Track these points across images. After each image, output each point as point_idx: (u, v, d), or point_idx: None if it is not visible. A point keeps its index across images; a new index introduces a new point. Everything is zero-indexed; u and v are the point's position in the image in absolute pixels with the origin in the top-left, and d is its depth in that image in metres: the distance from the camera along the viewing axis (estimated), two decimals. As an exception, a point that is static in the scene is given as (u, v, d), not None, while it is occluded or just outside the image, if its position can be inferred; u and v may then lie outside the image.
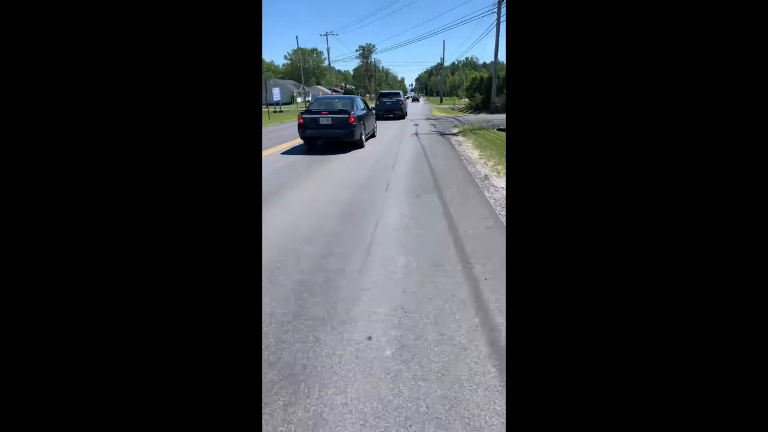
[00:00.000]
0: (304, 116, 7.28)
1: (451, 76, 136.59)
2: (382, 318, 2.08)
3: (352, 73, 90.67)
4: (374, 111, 10.95)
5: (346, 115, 7.23)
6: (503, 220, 3.35)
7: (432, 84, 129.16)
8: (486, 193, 4.41)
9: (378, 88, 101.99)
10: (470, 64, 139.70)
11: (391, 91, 19.55)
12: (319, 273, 2.59)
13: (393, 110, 16.71)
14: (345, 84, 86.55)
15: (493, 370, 1.69)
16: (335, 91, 77.61)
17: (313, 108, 7.59)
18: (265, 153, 7.38)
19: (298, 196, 4.50)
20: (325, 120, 7.13)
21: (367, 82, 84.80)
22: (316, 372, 1.71)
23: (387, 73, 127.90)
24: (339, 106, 7.65)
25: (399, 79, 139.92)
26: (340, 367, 1.75)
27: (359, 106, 8.17)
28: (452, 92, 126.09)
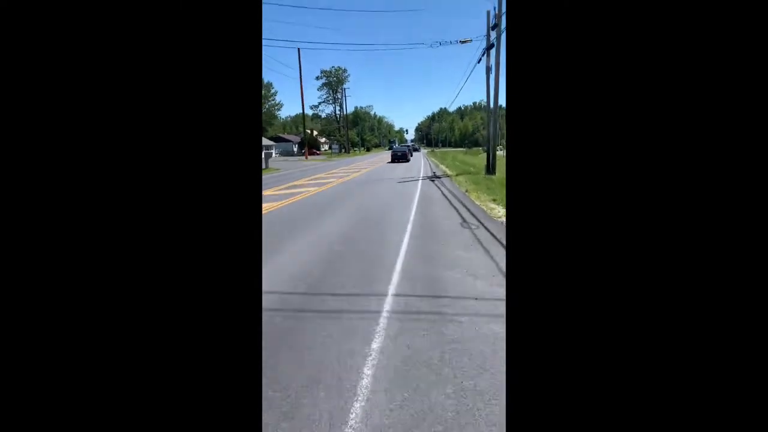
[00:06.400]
0: (392, 151, 27.40)
1: (460, 121, 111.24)
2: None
3: (324, 116, 60.74)
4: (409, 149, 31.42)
5: (405, 151, 25.78)
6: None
7: (434, 131, 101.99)
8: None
9: (366, 135, 74.13)
10: (480, 108, 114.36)
11: (406, 145, 39.82)
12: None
13: (411, 151, 33.28)
14: (311, 131, 56.32)
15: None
16: (282, 139, 47.91)
17: (394, 148, 29.50)
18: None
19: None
20: (398, 153, 24.52)
21: (338, 130, 54.28)
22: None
23: (380, 120, 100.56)
24: (401, 149, 25.84)
25: (396, 129, 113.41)
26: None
27: (407, 149, 29.13)
28: (463, 142, 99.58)
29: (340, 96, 55.63)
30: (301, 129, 64.42)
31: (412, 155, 30.50)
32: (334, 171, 16.99)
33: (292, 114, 79.22)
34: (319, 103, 58.54)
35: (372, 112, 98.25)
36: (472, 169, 16.81)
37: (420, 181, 11.92)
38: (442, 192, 9.22)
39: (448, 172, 15.80)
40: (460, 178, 12.30)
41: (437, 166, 20.93)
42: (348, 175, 14.34)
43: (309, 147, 55.90)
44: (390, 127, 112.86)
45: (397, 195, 8.59)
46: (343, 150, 51.65)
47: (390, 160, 24.04)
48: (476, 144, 79.13)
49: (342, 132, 53.32)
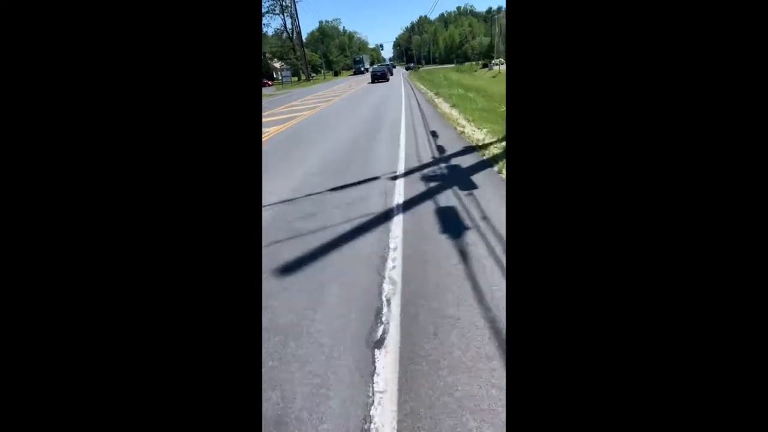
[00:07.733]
0: (372, 71, 29.91)
1: (444, 31, 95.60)
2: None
3: (272, 33, 47.19)
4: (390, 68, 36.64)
5: (385, 70, 29.10)
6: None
7: (414, 45, 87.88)
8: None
9: (334, 56, 61.83)
10: (467, 14, 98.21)
11: (385, 64, 38.59)
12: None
13: (390, 70, 36.63)
14: (263, 54, 44.20)
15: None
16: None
17: (374, 68, 30.91)
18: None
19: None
20: (378, 73, 27.95)
21: (293, 50, 41.57)
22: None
23: (351, 37, 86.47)
24: (381, 69, 29.02)
25: (371, 46, 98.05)
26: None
27: (389, 68, 34.21)
28: (449, 57, 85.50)
29: (289, 4, 41.77)
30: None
31: (391, 74, 35.37)
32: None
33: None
34: (263, 14, 44.79)
35: (340, 27, 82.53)
36: (504, 109, 8.29)
37: (396, 199, 3.64)
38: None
39: (464, 123, 7.06)
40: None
41: (431, 103, 11.14)
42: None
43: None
44: (363, 44, 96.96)
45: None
46: (303, 76, 40.31)
47: (370, 81, 27.82)
48: (466, 58, 67.12)
49: (298, 53, 41.54)
